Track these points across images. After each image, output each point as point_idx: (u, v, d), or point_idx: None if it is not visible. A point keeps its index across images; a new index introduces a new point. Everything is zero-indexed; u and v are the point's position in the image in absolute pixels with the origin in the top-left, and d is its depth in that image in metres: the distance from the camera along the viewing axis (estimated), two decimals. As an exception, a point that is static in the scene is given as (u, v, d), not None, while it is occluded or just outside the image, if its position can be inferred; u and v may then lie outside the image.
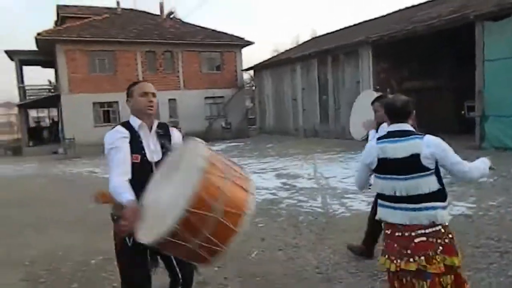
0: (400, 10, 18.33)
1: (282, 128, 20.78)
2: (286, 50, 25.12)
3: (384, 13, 19.51)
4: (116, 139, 2.26)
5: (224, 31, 24.49)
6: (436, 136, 2.32)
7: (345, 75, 16.25)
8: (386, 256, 2.31)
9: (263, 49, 61.78)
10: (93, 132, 18.57)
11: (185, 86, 22.40)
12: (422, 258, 2.17)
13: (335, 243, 4.65)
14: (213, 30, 24.24)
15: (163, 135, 2.41)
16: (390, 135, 2.34)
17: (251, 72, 26.43)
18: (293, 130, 19.89)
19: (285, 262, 4.21)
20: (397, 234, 2.28)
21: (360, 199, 6.69)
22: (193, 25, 24.55)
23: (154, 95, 2.41)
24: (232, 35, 24.09)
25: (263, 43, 66.65)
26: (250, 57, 51.50)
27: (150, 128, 2.39)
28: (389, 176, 2.30)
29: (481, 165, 2.38)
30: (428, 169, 2.21)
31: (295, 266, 4.07)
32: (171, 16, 25.03)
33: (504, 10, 10.25)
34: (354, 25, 20.92)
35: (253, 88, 28.04)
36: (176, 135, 2.50)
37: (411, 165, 2.21)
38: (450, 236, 2.26)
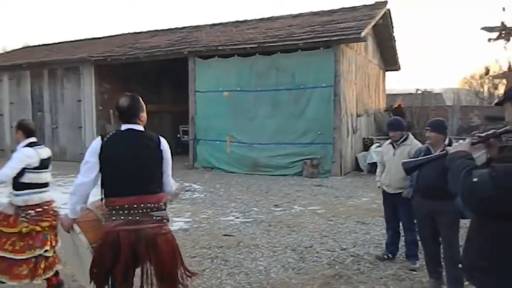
0: (122, 35, 18.74)
1: (-18, 148, 17.11)
2: (-11, 56, 21.09)
3: (106, 35, 19.47)
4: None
5: None
6: None
7: (65, 92, 15.10)
8: None
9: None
10: None
11: None
12: None
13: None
14: None
15: None
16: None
17: None
18: (-3, 151, 16.72)
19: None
20: None
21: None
22: None
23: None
24: None
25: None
26: None
27: None
28: None
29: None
30: None
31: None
32: None
33: (210, 51, 12.21)
34: (76, 40, 19.85)
35: None
36: None
37: None
38: None
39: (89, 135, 14.28)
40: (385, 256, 4.67)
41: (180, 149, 14.31)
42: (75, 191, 2.70)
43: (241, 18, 16.55)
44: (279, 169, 11.06)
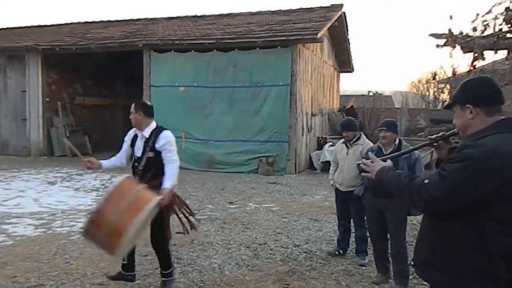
0: (72, 23, 17.86)
1: None
2: None
3: (54, 23, 18.46)
4: (126, 135, 3.86)
5: None
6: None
7: (8, 82, 14.16)
8: None
9: None
10: None
11: None
12: None
13: (-7, 279, 3.92)
14: None
15: (148, 139, 3.60)
16: None
17: None
18: None
19: None
20: None
21: (26, 223, 5.96)
22: None
23: (132, 112, 3.66)
24: None
25: None
26: None
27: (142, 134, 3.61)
28: None
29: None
30: None
31: None
32: None
33: (166, 45, 11.92)
34: (20, 27, 18.66)
35: None
36: (161, 139, 3.58)
37: None
38: None
39: (34, 128, 13.51)
40: (337, 252, 4.80)
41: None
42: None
43: (199, 13, 16.30)
44: (234, 166, 11.04)
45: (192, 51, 11.62)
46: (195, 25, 13.99)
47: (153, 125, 3.67)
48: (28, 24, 18.68)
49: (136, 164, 3.65)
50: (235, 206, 7.27)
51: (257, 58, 11.09)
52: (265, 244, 5.17)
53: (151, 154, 3.54)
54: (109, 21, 17.16)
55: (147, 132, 3.61)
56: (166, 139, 3.59)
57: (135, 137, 3.72)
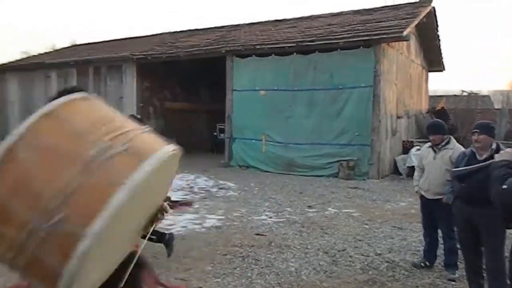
0: (162, 34, 19.21)
1: (31, 141, 18.09)
2: (40, 54, 22.27)
3: (148, 34, 20.03)
4: None
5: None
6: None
7: (108, 89, 15.67)
8: None
9: (9, 51, 52.70)
10: None
11: None
12: None
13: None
14: None
15: None
16: None
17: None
18: (45, 144, 17.62)
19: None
20: None
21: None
22: None
23: None
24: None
25: (11, 44, 56.81)
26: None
27: None
28: None
29: None
30: None
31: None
32: None
33: (247, 50, 12.24)
34: (118, 39, 20.57)
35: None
36: None
37: None
38: None
39: (129, 131, 14.73)
40: (422, 264, 4.48)
41: (217, 147, 14.48)
42: None
43: (280, 17, 16.48)
44: (314, 170, 10.92)
45: (273, 55, 11.77)
46: (276, 29, 14.16)
47: None
48: (123, 37, 20.52)
49: None
50: (314, 210, 7.17)
51: (338, 60, 10.86)
52: (344, 250, 5.01)
53: None
54: (195, 29, 18.13)
55: None
56: None
57: None
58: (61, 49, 23.72)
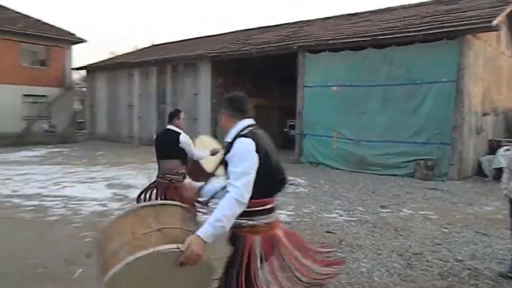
0: (235, 32, 19.65)
1: (116, 135, 19.63)
2: (124, 54, 23.99)
3: (221, 32, 20.63)
4: None
5: (54, 23, 21.88)
6: None
7: (184, 86, 16.44)
8: None
9: (99, 50, 57.34)
10: None
11: (-3, 79, 19.04)
12: None
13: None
14: (38, 20, 21.38)
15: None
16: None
17: (83, 72, 24.21)
18: (127, 138, 19.00)
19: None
20: None
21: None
22: (13, 10, 21.21)
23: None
24: (60, 29, 21.65)
25: (100, 43, 61.89)
26: (83, 56, 47.18)
27: None
28: None
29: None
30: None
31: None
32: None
33: (320, 45, 12.06)
34: (193, 38, 21.45)
35: (83, 89, 25.80)
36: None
37: None
38: None
39: (203, 127, 15.32)
40: (510, 274, 4.10)
41: (287, 143, 14.50)
42: None
43: (354, 10, 16.01)
44: (388, 169, 10.48)
45: (346, 50, 11.47)
46: (349, 24, 13.79)
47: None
48: (198, 35, 21.34)
49: None
50: (387, 210, 6.89)
51: (416, 53, 10.28)
52: (420, 254, 4.75)
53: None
54: (267, 26, 18.30)
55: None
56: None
57: None
58: (143, 48, 25.34)
